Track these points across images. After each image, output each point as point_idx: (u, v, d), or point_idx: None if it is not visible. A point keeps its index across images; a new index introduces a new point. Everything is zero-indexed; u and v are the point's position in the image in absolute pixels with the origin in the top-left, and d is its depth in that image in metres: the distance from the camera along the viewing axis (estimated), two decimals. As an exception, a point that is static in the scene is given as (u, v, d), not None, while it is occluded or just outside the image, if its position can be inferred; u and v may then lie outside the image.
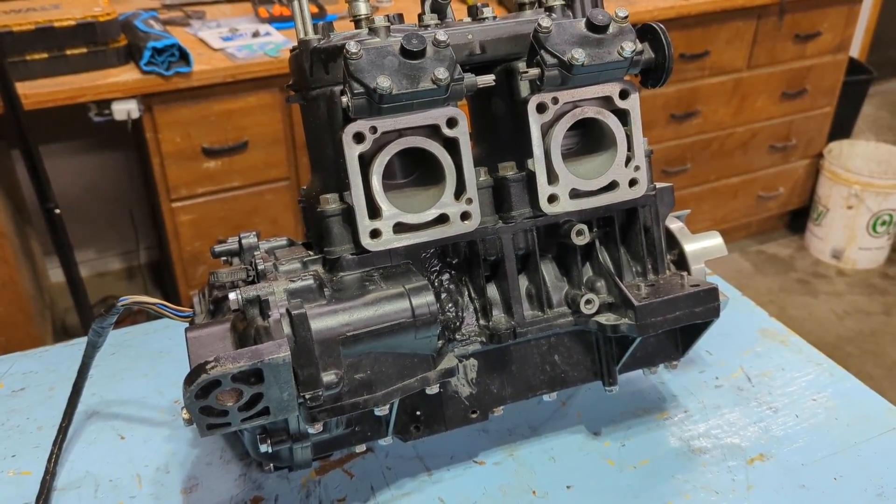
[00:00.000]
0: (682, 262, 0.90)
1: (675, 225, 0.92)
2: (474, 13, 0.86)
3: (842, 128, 3.65)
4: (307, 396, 0.66)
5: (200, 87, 2.14)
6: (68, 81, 2.01)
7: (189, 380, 0.58)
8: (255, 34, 2.28)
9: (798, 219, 3.65)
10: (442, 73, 0.69)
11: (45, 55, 1.98)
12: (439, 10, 0.85)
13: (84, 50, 2.00)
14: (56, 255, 2.22)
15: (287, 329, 0.65)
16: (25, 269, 2.47)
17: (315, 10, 2.43)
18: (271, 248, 0.84)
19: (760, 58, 3.02)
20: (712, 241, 0.92)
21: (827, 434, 0.93)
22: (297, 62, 0.79)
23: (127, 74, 2.06)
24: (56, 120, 2.22)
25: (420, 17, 0.85)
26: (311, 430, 0.70)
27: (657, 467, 0.88)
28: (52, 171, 2.77)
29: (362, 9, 0.79)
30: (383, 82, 0.68)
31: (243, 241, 0.76)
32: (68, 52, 2.00)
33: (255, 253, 0.74)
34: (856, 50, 4.24)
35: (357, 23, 0.79)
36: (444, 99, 0.72)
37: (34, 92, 1.97)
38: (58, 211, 2.15)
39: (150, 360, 1.05)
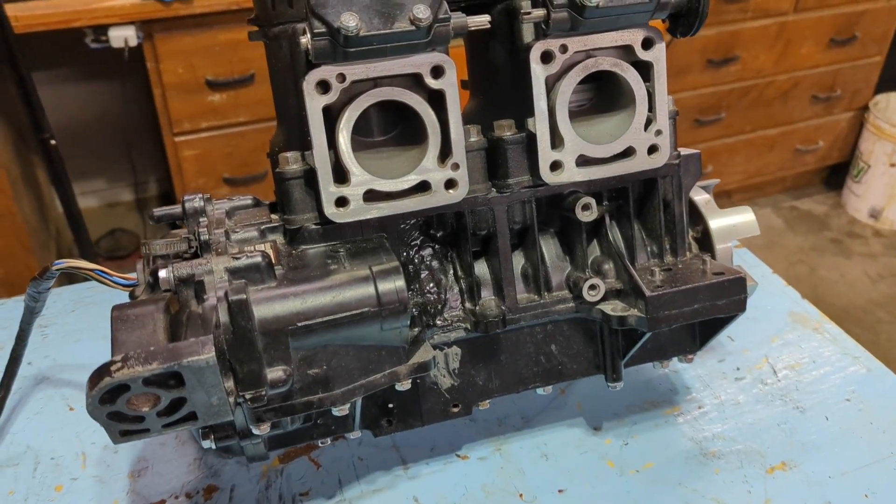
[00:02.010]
0: (706, 241, 0.77)
1: (700, 197, 0.79)
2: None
3: (891, 80, 3.41)
4: (247, 396, 0.55)
5: (203, 15, 2.00)
6: (62, 3, 1.88)
7: (92, 381, 0.48)
8: (264, -42, 2.12)
9: (836, 175, 3.46)
10: (422, 12, 0.57)
11: (35, -26, 1.85)
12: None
13: (78, -30, 1.87)
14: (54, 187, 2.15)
15: (224, 317, 0.55)
16: (27, 199, 2.39)
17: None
18: (232, 209, 0.73)
19: (809, 0, 2.79)
20: (742, 218, 0.79)
21: (860, 441, 0.81)
22: (258, -8, 0.67)
23: (124, -2, 1.92)
24: (53, 45, 2.11)
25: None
26: (256, 431, 0.60)
27: (663, 472, 0.78)
28: (55, 100, 2.68)
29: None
30: (348, 21, 0.55)
31: (187, 205, 0.65)
32: (61, -28, 1.87)
33: (201, 220, 0.63)
34: (913, -6, 3.95)
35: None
36: (426, 43, 0.59)
37: (25, 14, 1.85)
38: (53, 142, 2.05)
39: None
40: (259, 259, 0.59)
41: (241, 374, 0.55)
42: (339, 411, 0.61)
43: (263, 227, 0.67)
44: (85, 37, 1.97)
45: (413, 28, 0.57)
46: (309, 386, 0.60)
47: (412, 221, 0.70)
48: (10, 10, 1.81)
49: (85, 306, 0.98)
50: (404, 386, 0.64)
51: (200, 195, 0.67)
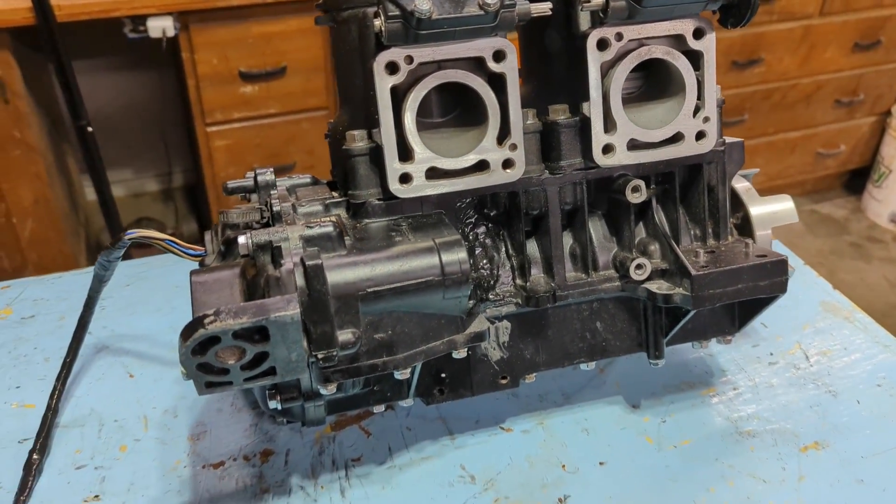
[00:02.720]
0: (745, 227, 0.80)
1: (741, 185, 0.83)
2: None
3: (914, 84, 3.42)
4: (320, 356, 0.59)
5: (239, 7, 2.05)
6: (103, -6, 1.93)
7: (185, 333, 0.52)
8: (298, -47, 2.16)
9: (857, 179, 3.46)
10: (492, -3, 0.60)
11: (79, -35, 1.90)
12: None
13: (119, -39, 1.92)
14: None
15: (300, 281, 0.58)
16: (60, 186, 2.44)
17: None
18: (293, 186, 0.77)
19: (834, 4, 2.81)
20: (782, 205, 0.82)
21: (891, 425, 0.84)
22: (328, -23, 0.70)
23: (163, -11, 1.97)
24: (92, 35, 2.16)
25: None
26: (323, 391, 0.63)
27: (700, 448, 0.81)
28: (90, 88, 2.72)
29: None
30: (422, 4, 0.59)
31: (259, 178, 0.68)
32: (103, -38, 1.92)
33: (272, 192, 0.67)
34: (937, 0, 3.95)
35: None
36: (491, 28, 0.63)
37: (68, 3, 1.90)
38: (90, 129, 2.10)
39: (165, 295, 1.00)
40: (331, 228, 0.62)
41: (315, 334, 0.59)
42: (401, 375, 0.65)
43: (327, 201, 0.71)
44: (123, 27, 2.02)
45: (482, 13, 0.61)
46: (374, 349, 0.63)
47: (467, 200, 0.73)
48: (53, -1, 1.86)
49: (139, 281, 1.02)
50: (461, 354, 0.68)
51: (270, 169, 0.70)
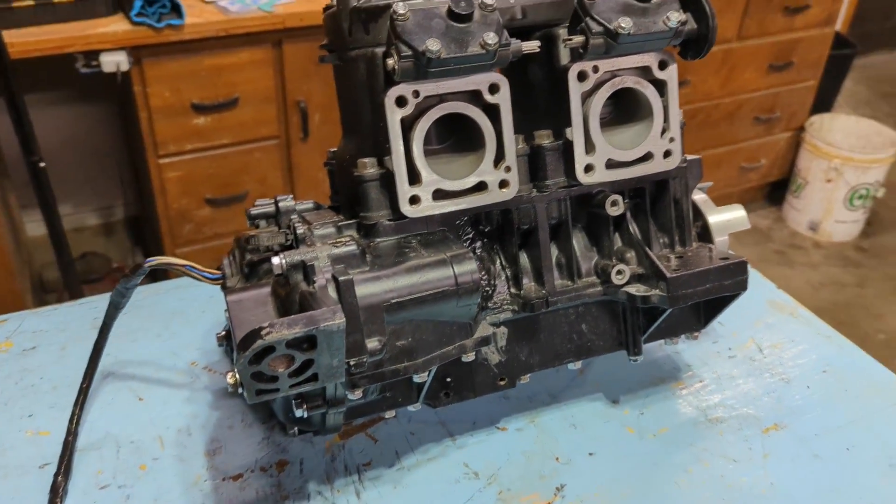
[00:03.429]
0: (705, 234, 0.90)
1: (699, 196, 0.92)
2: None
3: (823, 101, 3.68)
4: (351, 363, 0.65)
5: (191, 41, 2.08)
6: (56, 31, 1.94)
7: (243, 345, 0.57)
8: (248, -13, 2.21)
9: (777, 190, 3.69)
10: (491, 39, 0.68)
11: (31, 2, 1.91)
12: (474, -29, 0.83)
13: (72, -2, 1.94)
14: (39, 208, 2.17)
15: (333, 295, 0.65)
16: (3, 223, 2.41)
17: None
18: (300, 211, 0.83)
19: (751, 29, 3.02)
20: (736, 214, 0.92)
21: (838, 405, 0.95)
22: (333, 21, 0.77)
23: (116, 25, 1.99)
24: (36, 70, 2.15)
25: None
26: (350, 397, 0.69)
27: (676, 435, 0.90)
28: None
29: (398, -31, 0.77)
30: (433, 45, 0.66)
31: (280, 204, 0.74)
32: (55, 0, 1.93)
33: (293, 217, 0.73)
34: (838, 23, 4.26)
35: (393, -17, 0.77)
36: (490, 64, 0.71)
37: (21, 41, 1.90)
38: (42, 164, 2.09)
39: (162, 321, 1.04)
40: (355, 247, 0.69)
41: (348, 343, 0.65)
42: (419, 378, 0.71)
43: (339, 224, 0.77)
44: (75, 62, 2.03)
45: (483, 52, 0.69)
46: (396, 355, 0.70)
47: (465, 218, 0.80)
48: (6, 35, 1.85)
49: (136, 308, 1.05)
50: (469, 357, 0.75)
51: (290, 196, 0.76)
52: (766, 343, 1.05)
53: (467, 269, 0.70)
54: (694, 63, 2.96)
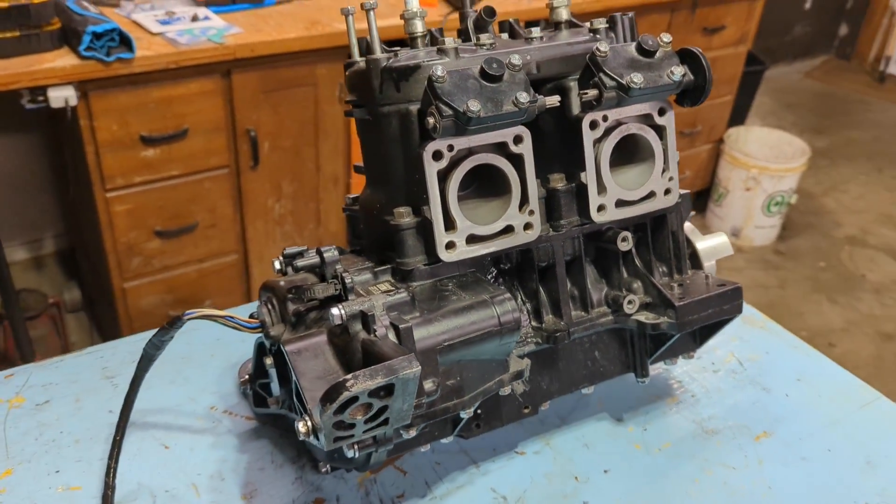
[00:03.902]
0: (695, 261, 0.98)
1: (686, 226, 1.00)
2: (511, 31, 0.91)
3: (738, 115, 3.92)
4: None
5: (140, 74, 2.06)
6: (1, 66, 1.89)
7: (328, 398, 0.60)
8: (194, 18, 2.21)
9: (700, 199, 3.90)
10: (524, 97, 0.74)
11: (-26, 38, 1.85)
12: (482, 27, 0.89)
13: (17, 33, 1.89)
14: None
15: (393, 340, 0.69)
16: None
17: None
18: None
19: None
20: (720, 240, 1.01)
21: (814, 410, 1.05)
22: (361, 78, 0.81)
23: (63, 60, 1.95)
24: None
25: (463, 33, 0.89)
26: (405, 436, 0.73)
27: (679, 448, 0.97)
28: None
29: (418, 27, 0.82)
30: (474, 106, 0.72)
31: (325, 255, 0.77)
32: (-1, 35, 1.88)
33: (337, 267, 0.76)
34: (746, 40, 4.53)
35: (413, 39, 0.82)
36: (521, 120, 0.76)
37: (-37, 78, 1.84)
38: (-13, 203, 2.02)
39: (173, 367, 1.04)
40: (405, 295, 0.73)
41: (408, 387, 0.69)
42: (466, 414, 0.76)
43: (375, 269, 0.81)
44: (20, 98, 1.97)
45: (516, 109, 0.74)
46: (447, 394, 0.74)
47: (488, 258, 0.86)
48: (-52, 73, 1.80)
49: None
50: (506, 391, 0.80)
51: (334, 247, 0.80)
52: (745, 357, 1.14)
53: (508, 308, 0.75)
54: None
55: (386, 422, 0.65)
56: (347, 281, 0.75)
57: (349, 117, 0.85)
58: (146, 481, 0.88)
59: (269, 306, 0.81)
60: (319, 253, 0.78)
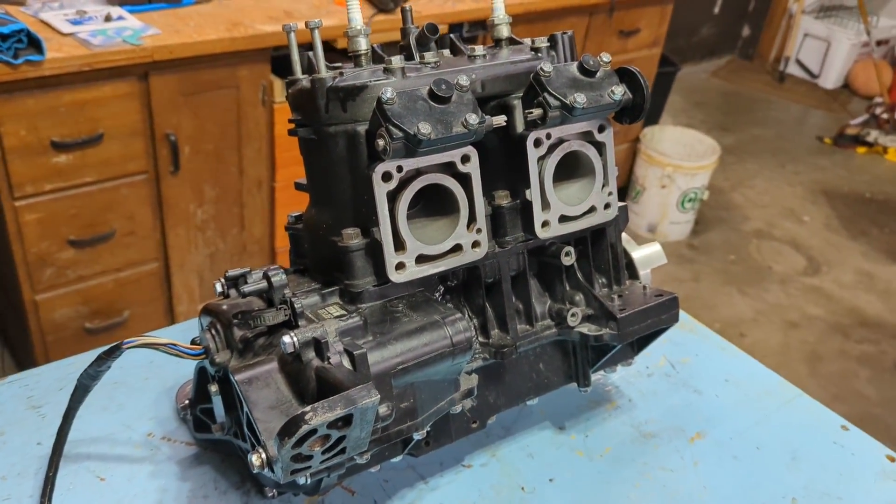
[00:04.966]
0: (631, 270, 1.01)
1: (622, 236, 1.03)
2: (452, 48, 0.91)
3: (653, 114, 4.04)
4: (368, 430, 0.69)
5: (51, 77, 1.96)
6: None
7: (287, 431, 0.59)
8: (108, 18, 2.12)
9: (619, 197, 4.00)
10: (473, 119, 0.74)
11: None
12: (424, 44, 0.89)
13: (-88, 34, 1.77)
14: None
15: (348, 366, 0.68)
16: None
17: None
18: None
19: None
20: (654, 249, 1.04)
21: (743, 410, 1.10)
22: (306, 97, 0.79)
23: (-35, 62, 1.84)
24: None
25: (404, 49, 0.88)
26: (359, 461, 0.73)
27: (619, 453, 1.00)
28: None
29: (363, 45, 0.81)
30: (424, 129, 0.71)
31: (273, 280, 0.76)
32: None
33: (286, 292, 0.75)
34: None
35: (357, 57, 0.82)
36: (470, 141, 0.77)
37: None
38: None
39: (105, 392, 1.00)
40: (358, 319, 0.72)
41: (364, 413, 0.68)
42: (420, 435, 0.76)
43: (322, 292, 0.80)
44: (-83, 102, 1.85)
45: (466, 131, 0.74)
46: (401, 417, 0.74)
47: (436, 276, 0.86)
48: None
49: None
50: (457, 409, 0.80)
51: (281, 270, 0.78)
52: (676, 359, 1.18)
53: (460, 328, 0.76)
54: (545, 84, 3.16)
55: (343, 451, 0.65)
56: (297, 306, 0.73)
57: (293, 136, 0.83)
58: (83, 517, 0.84)
59: (213, 332, 0.78)
60: (267, 277, 0.76)
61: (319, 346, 0.69)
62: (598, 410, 1.07)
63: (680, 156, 3.78)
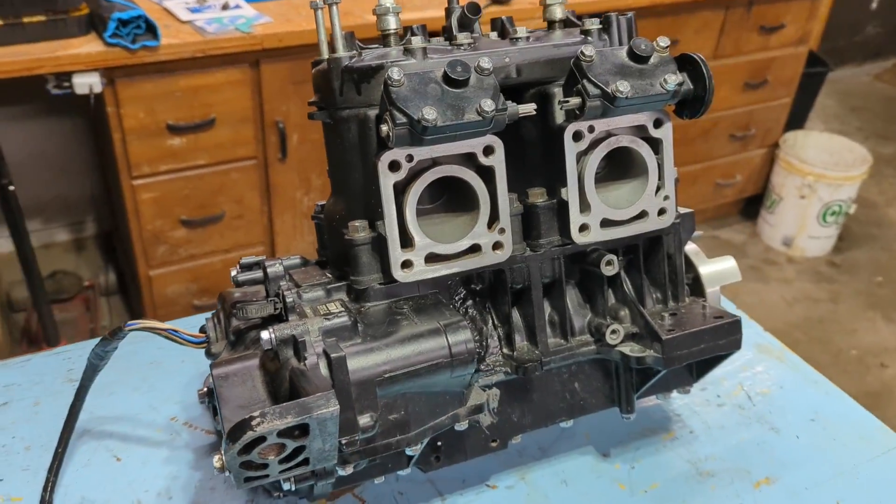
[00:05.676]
0: (697, 286, 0.89)
1: (690, 247, 0.91)
2: (501, 30, 0.83)
3: (797, 118, 3.72)
4: (343, 441, 0.63)
5: (167, 62, 2.04)
6: (25, 51, 1.89)
7: (233, 436, 0.55)
8: (225, 6, 2.18)
9: (752, 206, 3.73)
10: (488, 105, 0.66)
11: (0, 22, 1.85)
12: (466, 25, 0.82)
13: (42, 18, 1.88)
14: (7, 229, 2.12)
15: (325, 372, 0.62)
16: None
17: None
18: (287, 268, 0.81)
19: (726, 48, 3.05)
20: (727, 265, 0.91)
21: (827, 456, 0.95)
22: (323, 78, 0.75)
23: (89, 46, 1.94)
24: (5, 87, 2.10)
25: (446, 31, 0.81)
26: (341, 473, 0.67)
27: (668, 491, 0.89)
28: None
29: (392, 23, 0.75)
30: (429, 114, 0.64)
31: (269, 270, 0.72)
32: (25, 19, 1.88)
33: (281, 284, 0.71)
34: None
35: (385, 37, 0.76)
36: (486, 130, 0.69)
37: (-11, 61, 1.85)
38: (12, 188, 2.04)
39: (140, 373, 1.00)
40: (346, 319, 0.67)
41: (339, 423, 0.62)
42: (412, 451, 0.69)
43: (329, 286, 0.75)
44: (46, 83, 1.97)
45: (480, 118, 0.67)
46: (389, 429, 0.68)
47: (457, 278, 0.79)
48: (-27, 57, 1.80)
49: (112, 360, 1.02)
50: (462, 426, 0.73)
51: (279, 260, 0.74)
52: (755, 390, 1.04)
53: (462, 338, 0.69)
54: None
55: (306, 462, 0.59)
56: (289, 300, 0.69)
57: (311, 120, 0.78)
58: (90, 495, 0.84)
59: (216, 320, 0.75)
60: (263, 267, 0.72)
61: (297, 345, 0.64)
62: (651, 439, 0.96)
63: (824, 164, 3.45)
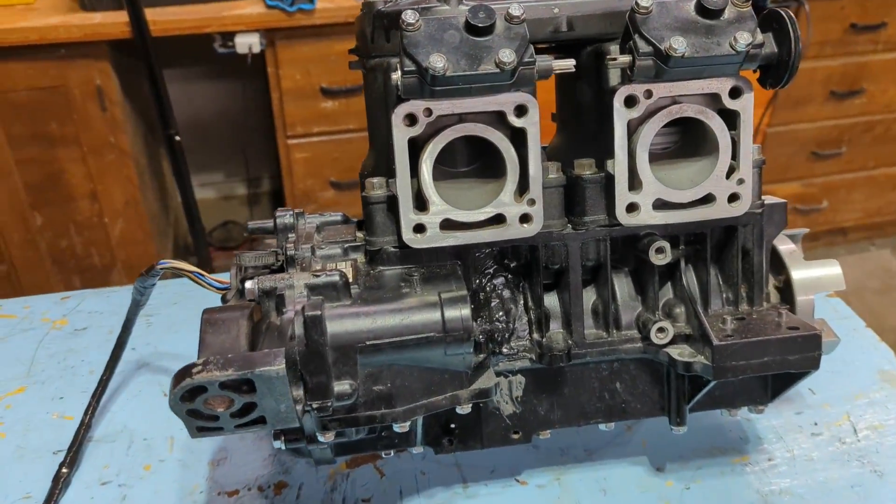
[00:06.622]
0: (787, 291, 0.76)
1: (785, 247, 0.78)
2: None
3: None
4: (314, 406, 0.59)
5: (322, 26, 2.09)
6: (195, 11, 2.02)
7: (175, 380, 0.53)
8: (384, -27, 2.20)
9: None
10: (507, 56, 0.59)
11: (173, -18, 1.99)
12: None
13: (211, -21, 2.00)
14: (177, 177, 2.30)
15: (299, 330, 0.59)
16: (151, 188, 2.56)
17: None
18: (322, 224, 0.78)
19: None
20: (829, 271, 0.77)
21: (940, 515, 0.78)
22: (359, 25, 0.71)
23: (251, 7, 2.04)
24: (184, 46, 2.26)
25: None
26: (321, 439, 0.64)
27: (723, 522, 0.77)
28: (183, 96, 2.85)
29: (441, -33, 0.69)
30: (436, 62, 0.58)
31: (278, 221, 0.69)
32: (196, -20, 2.01)
33: (289, 235, 0.68)
34: None
35: (427, -18, 0.70)
36: (509, 85, 0.62)
37: (162, 19, 1.99)
38: (178, 138, 2.20)
39: (210, 315, 1.03)
40: (337, 278, 0.63)
41: (311, 384, 0.59)
42: (400, 428, 0.65)
43: (347, 245, 0.71)
44: (213, 42, 2.10)
45: (498, 70, 0.60)
46: (373, 401, 0.63)
47: (487, 251, 0.72)
48: (148, 14, 1.95)
49: (186, 300, 1.06)
50: (464, 410, 0.67)
51: (292, 211, 0.72)
52: (865, 423, 0.88)
53: (458, 314, 0.62)
54: (872, 68, 2.63)
55: (262, 420, 0.56)
56: (290, 252, 0.66)
57: (351, 69, 0.75)
58: (131, 425, 0.87)
59: (237, 269, 0.74)
60: (274, 218, 0.69)
61: (279, 298, 0.61)
62: (718, 460, 0.84)
63: None
